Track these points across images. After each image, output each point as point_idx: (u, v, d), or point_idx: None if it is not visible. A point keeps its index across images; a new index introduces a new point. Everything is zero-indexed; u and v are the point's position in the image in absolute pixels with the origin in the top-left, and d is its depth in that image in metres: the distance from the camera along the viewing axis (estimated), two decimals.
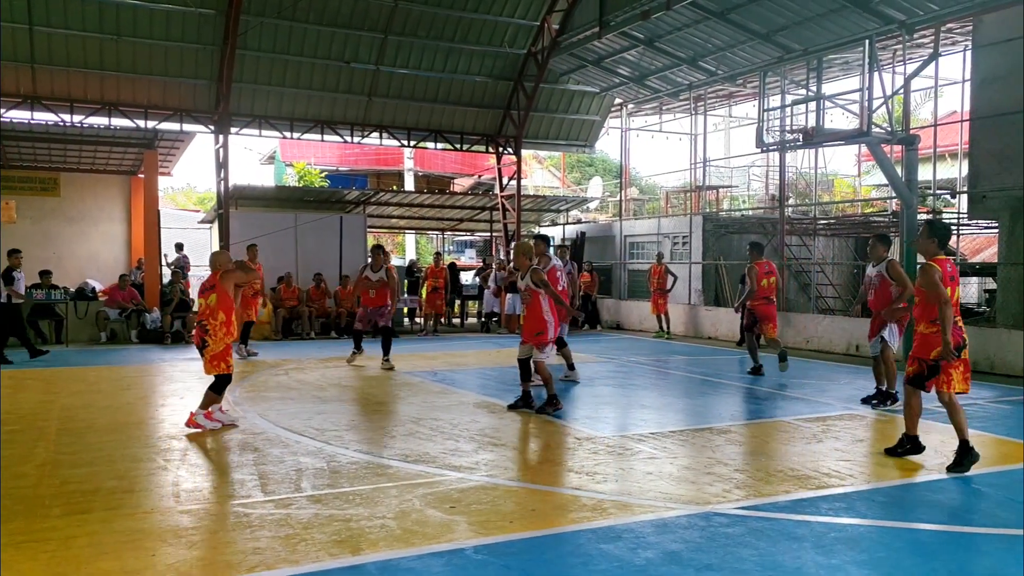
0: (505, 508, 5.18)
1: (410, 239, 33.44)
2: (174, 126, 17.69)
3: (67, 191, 19.63)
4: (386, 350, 12.03)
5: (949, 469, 6.06)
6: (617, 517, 4.98)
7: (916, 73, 14.65)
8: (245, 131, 18.60)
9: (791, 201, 23.10)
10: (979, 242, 25.10)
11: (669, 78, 18.96)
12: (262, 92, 18.32)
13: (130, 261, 19.97)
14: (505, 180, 22.32)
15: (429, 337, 17.88)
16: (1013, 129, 12.89)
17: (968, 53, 16.17)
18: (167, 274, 17.68)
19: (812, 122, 12.73)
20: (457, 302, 21.10)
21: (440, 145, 21.03)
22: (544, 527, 4.84)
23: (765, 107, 13.36)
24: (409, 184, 32.64)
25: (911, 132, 13.50)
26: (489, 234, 25.63)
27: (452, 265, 20.94)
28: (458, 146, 21.18)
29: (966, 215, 16.66)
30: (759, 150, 14.78)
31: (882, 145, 13.18)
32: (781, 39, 15.36)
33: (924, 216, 16.92)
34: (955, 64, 57.70)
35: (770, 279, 11.23)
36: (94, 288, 16.93)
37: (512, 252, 10.16)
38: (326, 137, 19.89)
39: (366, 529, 4.69)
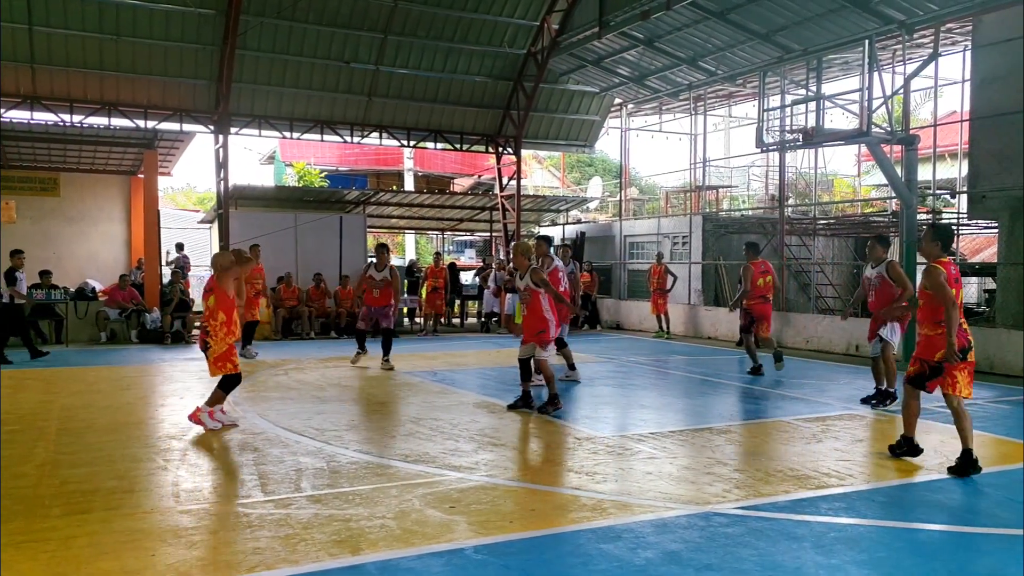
0: (505, 508, 5.19)
1: (410, 239, 33.44)
2: (174, 126, 17.68)
3: (67, 191, 19.63)
4: (386, 350, 12.04)
5: (950, 471, 6.05)
6: (617, 517, 4.98)
7: (916, 73, 14.65)
8: (245, 131, 18.59)
9: (791, 201, 23.12)
10: (979, 242, 25.11)
11: (669, 78, 18.95)
12: (262, 92, 18.32)
13: (130, 261, 19.96)
14: (505, 180, 22.31)
15: (429, 337, 17.88)
16: (1013, 129, 12.89)
17: (968, 53, 16.17)
18: (167, 274, 17.68)
19: (812, 122, 12.74)
20: (457, 302, 21.11)
21: (440, 145, 21.03)
22: (544, 527, 4.84)
23: (765, 107, 13.37)
24: (409, 184, 32.64)
25: (911, 132, 13.51)
26: (489, 234, 25.63)
27: (452, 265, 20.95)
28: (458, 146, 21.18)
29: (966, 215, 16.66)
30: (759, 150, 14.78)
31: (882, 145, 13.18)
32: (781, 39, 15.36)
33: (924, 216, 16.96)
34: (955, 64, 57.87)
35: (766, 279, 11.25)
36: (94, 288, 16.93)
37: (511, 252, 10.16)
38: (326, 137, 19.88)
39: (366, 529, 4.69)
